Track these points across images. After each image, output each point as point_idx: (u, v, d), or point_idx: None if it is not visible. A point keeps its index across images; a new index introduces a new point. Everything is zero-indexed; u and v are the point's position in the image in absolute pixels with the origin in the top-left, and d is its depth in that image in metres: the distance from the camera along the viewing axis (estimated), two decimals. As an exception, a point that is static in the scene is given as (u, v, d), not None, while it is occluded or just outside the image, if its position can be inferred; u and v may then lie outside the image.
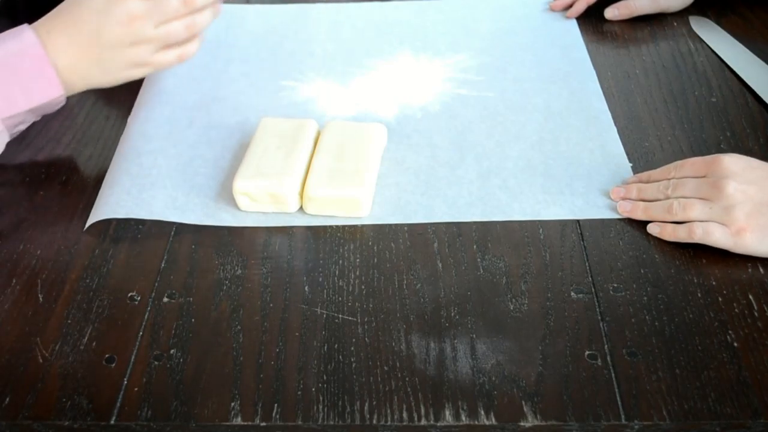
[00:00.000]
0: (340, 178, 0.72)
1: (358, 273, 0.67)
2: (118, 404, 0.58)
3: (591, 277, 0.66)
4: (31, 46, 0.71)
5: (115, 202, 0.74)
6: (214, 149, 0.81)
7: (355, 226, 0.72)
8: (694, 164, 0.70)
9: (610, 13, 0.99)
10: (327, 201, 0.72)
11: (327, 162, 0.74)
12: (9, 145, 0.75)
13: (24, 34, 0.72)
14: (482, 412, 0.56)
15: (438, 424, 0.56)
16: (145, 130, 0.83)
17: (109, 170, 0.78)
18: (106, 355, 0.61)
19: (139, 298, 0.66)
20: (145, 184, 0.76)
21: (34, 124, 0.79)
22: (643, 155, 0.78)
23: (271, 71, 0.93)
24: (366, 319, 0.63)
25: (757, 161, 0.68)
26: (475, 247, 0.69)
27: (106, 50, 0.74)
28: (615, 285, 0.65)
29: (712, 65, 0.91)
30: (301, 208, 0.73)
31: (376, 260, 0.68)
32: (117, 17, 0.73)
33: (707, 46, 0.94)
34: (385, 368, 0.60)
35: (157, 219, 0.72)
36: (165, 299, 0.66)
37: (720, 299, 0.64)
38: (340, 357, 0.61)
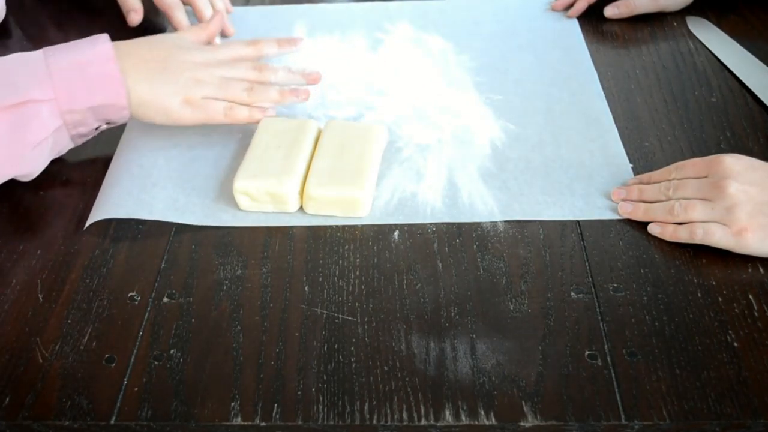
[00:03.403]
0: (341, 178, 0.72)
1: (358, 273, 0.67)
2: (118, 404, 0.58)
3: (591, 277, 0.66)
4: (103, 49, 0.73)
5: (115, 202, 0.74)
6: (214, 149, 0.81)
7: (355, 226, 0.72)
8: (694, 165, 0.70)
9: (610, 11, 0.99)
10: (327, 201, 0.72)
11: (327, 162, 0.74)
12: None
13: (99, 40, 0.75)
14: (482, 412, 0.56)
15: (438, 424, 0.56)
16: (146, 129, 0.83)
17: (109, 170, 0.78)
18: (106, 355, 0.61)
19: (139, 298, 0.66)
20: (146, 185, 0.76)
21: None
22: (643, 155, 0.78)
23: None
24: (366, 319, 0.63)
25: (759, 161, 0.68)
26: (475, 247, 0.69)
27: (168, 69, 0.76)
28: (615, 285, 0.65)
29: (712, 65, 0.91)
30: (301, 207, 0.73)
31: (376, 260, 0.68)
32: (192, 54, 0.79)
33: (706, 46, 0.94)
34: (385, 368, 0.60)
35: (158, 219, 0.72)
36: (165, 299, 0.66)
37: (720, 299, 0.64)
38: (340, 357, 0.61)
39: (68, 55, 0.72)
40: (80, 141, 0.76)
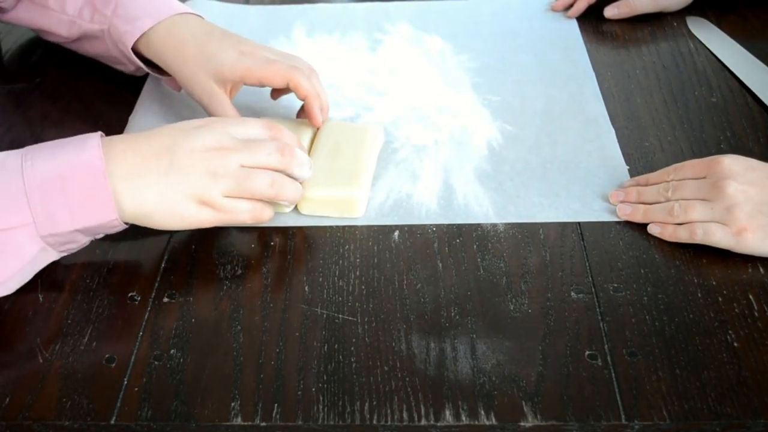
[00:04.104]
0: (336, 178, 0.72)
1: (358, 273, 0.67)
2: (118, 404, 0.58)
3: (591, 277, 0.66)
4: (91, 156, 0.62)
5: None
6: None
7: (355, 226, 0.72)
8: (693, 166, 0.70)
9: (610, 11, 0.99)
10: (322, 201, 0.72)
11: (323, 162, 0.74)
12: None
13: (88, 143, 0.63)
14: (482, 412, 0.56)
15: (438, 424, 0.56)
16: (145, 127, 0.83)
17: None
18: (106, 355, 0.61)
19: (139, 298, 0.66)
20: None
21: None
22: (643, 155, 0.78)
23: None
24: (366, 319, 0.63)
25: (757, 162, 0.68)
26: (475, 247, 0.69)
27: (174, 164, 0.63)
28: (615, 285, 0.65)
29: (712, 65, 0.91)
30: (295, 208, 0.73)
31: (376, 260, 0.68)
32: (200, 138, 0.65)
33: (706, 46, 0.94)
34: (386, 368, 0.60)
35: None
36: (165, 299, 0.66)
37: (720, 299, 0.64)
38: (341, 357, 0.60)
39: (48, 165, 0.61)
40: (73, 251, 0.66)
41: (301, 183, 0.70)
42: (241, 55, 0.76)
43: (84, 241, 0.65)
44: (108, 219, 0.62)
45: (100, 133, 0.64)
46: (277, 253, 0.69)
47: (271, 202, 0.69)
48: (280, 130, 0.70)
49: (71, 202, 0.61)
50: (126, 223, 0.65)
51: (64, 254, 0.66)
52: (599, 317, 0.63)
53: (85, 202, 0.61)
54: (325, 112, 0.78)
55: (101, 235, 0.66)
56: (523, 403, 0.57)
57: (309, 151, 0.76)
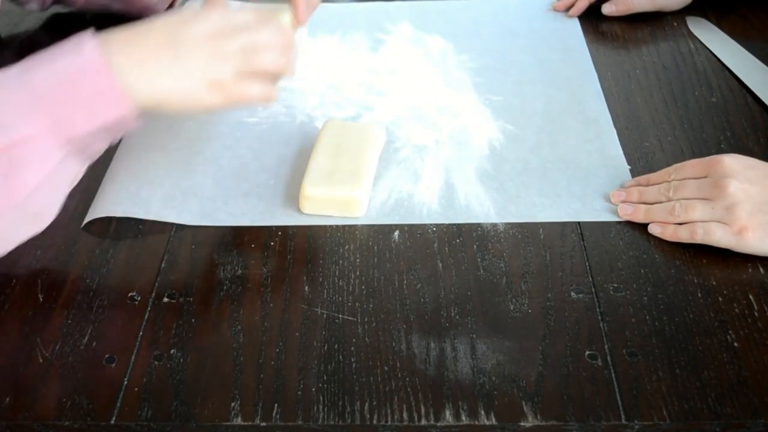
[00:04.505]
0: (337, 178, 0.72)
1: (358, 273, 0.67)
2: (118, 404, 0.58)
3: (591, 277, 0.66)
4: (91, 57, 0.60)
5: (113, 199, 0.74)
6: (212, 147, 0.81)
7: (355, 226, 0.72)
8: (694, 166, 0.70)
9: (608, 8, 0.99)
10: (323, 201, 0.72)
11: (324, 161, 0.74)
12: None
13: (83, 44, 0.61)
14: (482, 412, 0.56)
15: (438, 424, 0.56)
16: (147, 127, 0.82)
17: (110, 168, 0.78)
18: (106, 355, 0.61)
19: (139, 298, 0.66)
20: (143, 183, 0.76)
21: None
22: (643, 155, 0.78)
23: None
24: (366, 319, 0.63)
25: (757, 161, 0.68)
26: (475, 247, 0.69)
27: (181, 52, 0.63)
28: (615, 285, 0.65)
29: (712, 65, 0.91)
30: (296, 207, 0.73)
31: (376, 260, 0.68)
32: (200, 25, 0.64)
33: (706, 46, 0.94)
34: (386, 368, 0.60)
35: (155, 219, 0.72)
36: (165, 299, 0.66)
37: (720, 299, 0.64)
38: (341, 357, 0.61)
39: (51, 73, 0.60)
40: (95, 158, 0.66)
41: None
42: None
43: (103, 144, 0.64)
44: (122, 114, 0.61)
45: (91, 31, 0.62)
46: (277, 253, 0.69)
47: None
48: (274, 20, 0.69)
49: (83, 103, 0.60)
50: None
51: (88, 162, 0.65)
52: (599, 317, 0.63)
53: (97, 101, 0.60)
54: (311, 9, 0.73)
55: (119, 137, 0.66)
56: (523, 403, 0.57)
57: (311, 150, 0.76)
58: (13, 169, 0.59)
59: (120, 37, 0.62)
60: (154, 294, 0.66)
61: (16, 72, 0.60)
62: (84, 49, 0.61)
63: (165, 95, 0.62)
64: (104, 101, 0.60)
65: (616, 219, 0.71)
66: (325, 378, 0.59)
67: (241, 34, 0.65)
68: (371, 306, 0.64)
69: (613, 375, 0.58)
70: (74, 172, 0.64)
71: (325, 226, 0.72)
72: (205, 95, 0.63)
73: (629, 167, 0.77)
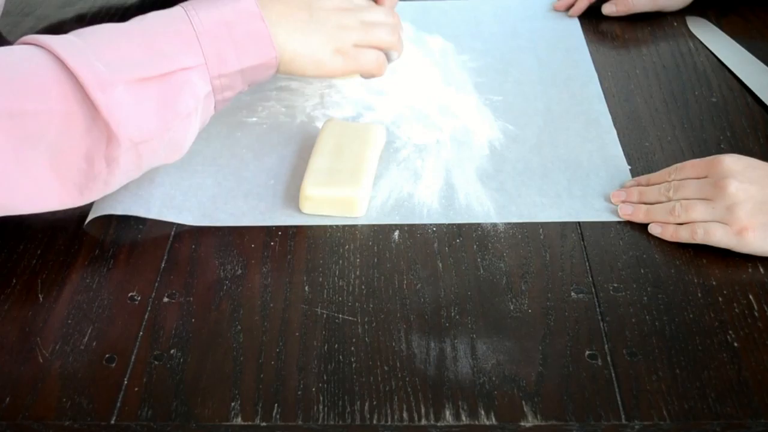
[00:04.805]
0: (337, 178, 0.72)
1: (358, 273, 0.67)
2: (118, 404, 0.58)
3: (591, 277, 0.66)
4: (247, 4, 0.70)
5: (113, 198, 0.74)
6: (212, 147, 0.81)
7: (355, 226, 0.72)
8: (694, 166, 0.70)
9: (608, 9, 0.99)
10: (323, 201, 0.72)
11: (324, 161, 0.74)
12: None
13: None
14: (482, 412, 0.56)
15: (438, 424, 0.56)
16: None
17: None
18: (106, 355, 0.61)
19: (139, 298, 0.66)
20: (143, 182, 0.76)
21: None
22: (644, 155, 0.78)
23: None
24: (366, 319, 0.63)
25: (758, 161, 0.68)
26: (475, 247, 0.69)
27: (315, 17, 0.74)
28: (615, 285, 0.65)
29: (712, 65, 0.91)
30: (296, 207, 0.73)
31: (376, 260, 0.68)
32: (330, 1, 0.76)
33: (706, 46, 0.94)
34: (386, 368, 0.60)
35: (155, 218, 0.72)
36: (165, 299, 0.66)
37: (720, 299, 0.64)
38: (341, 357, 0.61)
39: (212, 14, 0.68)
40: (221, 108, 0.73)
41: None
42: None
43: (238, 89, 0.71)
44: (269, 57, 0.70)
45: None
46: (277, 253, 0.69)
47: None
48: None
49: (237, 42, 0.69)
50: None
51: (220, 107, 0.72)
52: (599, 317, 0.63)
53: (249, 42, 0.69)
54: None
55: (246, 89, 0.73)
56: (523, 403, 0.57)
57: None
58: (172, 95, 0.66)
59: None
60: (154, 294, 0.66)
61: (181, 14, 0.68)
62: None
63: (298, 50, 0.72)
64: (256, 44, 0.70)
65: (616, 219, 0.71)
66: (325, 378, 0.59)
67: (362, 12, 0.77)
68: (371, 306, 0.64)
69: (613, 375, 0.58)
70: (207, 113, 0.71)
71: (325, 226, 0.72)
72: (329, 57, 0.74)
73: (629, 167, 0.77)
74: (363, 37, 0.76)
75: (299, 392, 0.58)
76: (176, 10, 0.69)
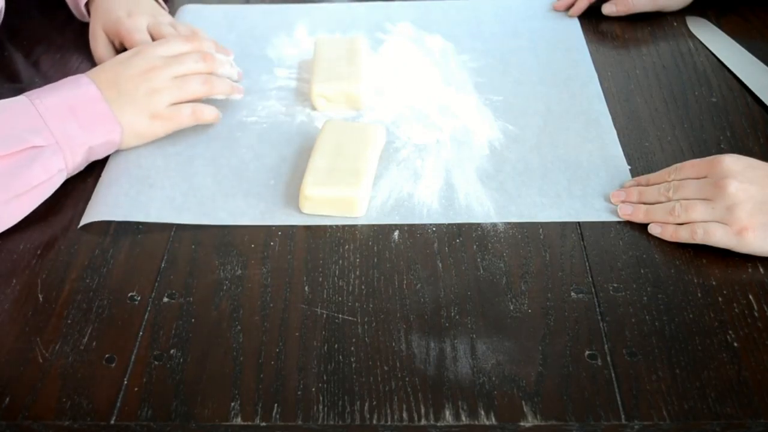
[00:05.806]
0: (337, 177, 0.72)
1: (358, 273, 0.67)
2: (118, 404, 0.58)
3: (591, 277, 0.66)
4: (89, 91, 0.74)
5: (113, 203, 0.74)
6: (212, 147, 0.81)
7: (355, 226, 0.72)
8: (694, 166, 0.70)
9: (608, 9, 0.99)
10: (323, 200, 0.72)
11: (324, 161, 0.74)
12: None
13: (81, 81, 0.75)
14: (482, 412, 0.56)
15: (438, 424, 0.56)
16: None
17: (106, 168, 0.78)
18: (106, 355, 0.61)
19: (139, 298, 0.66)
20: (143, 187, 0.76)
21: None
22: (643, 155, 0.78)
23: (272, 70, 0.93)
24: (366, 319, 0.63)
25: (758, 161, 0.68)
26: (475, 247, 0.69)
27: (122, 89, 0.76)
28: (615, 285, 0.65)
29: (712, 65, 0.91)
30: (296, 207, 0.73)
31: (376, 260, 0.68)
32: (136, 66, 0.77)
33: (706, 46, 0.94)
34: (385, 368, 0.60)
35: (155, 221, 0.72)
36: (165, 299, 0.66)
37: (720, 299, 0.64)
38: (340, 357, 0.61)
39: (56, 99, 0.72)
40: (73, 173, 0.76)
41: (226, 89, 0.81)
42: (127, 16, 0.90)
43: (84, 164, 0.76)
44: (114, 134, 0.75)
45: (84, 75, 0.76)
46: (277, 253, 0.69)
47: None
48: (199, 39, 0.84)
49: (83, 123, 0.72)
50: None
51: (70, 175, 0.75)
52: (599, 317, 0.63)
53: (95, 122, 0.73)
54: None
55: (100, 157, 0.77)
56: (523, 403, 0.57)
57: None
58: (20, 168, 0.69)
59: (97, 73, 0.77)
60: (154, 294, 0.66)
61: (23, 99, 0.72)
62: (81, 82, 0.74)
63: (132, 129, 0.76)
64: (100, 123, 0.74)
65: (616, 219, 0.71)
66: (325, 378, 0.59)
67: (170, 67, 0.78)
68: (371, 306, 0.64)
69: (613, 375, 0.58)
70: (56, 184, 0.73)
71: (325, 226, 0.72)
72: (146, 126, 0.77)
73: (629, 167, 0.77)
74: (176, 95, 0.78)
75: (299, 392, 0.58)
76: (19, 99, 0.72)
